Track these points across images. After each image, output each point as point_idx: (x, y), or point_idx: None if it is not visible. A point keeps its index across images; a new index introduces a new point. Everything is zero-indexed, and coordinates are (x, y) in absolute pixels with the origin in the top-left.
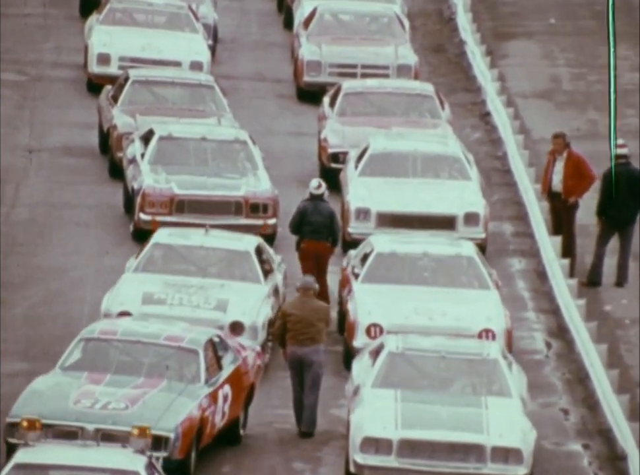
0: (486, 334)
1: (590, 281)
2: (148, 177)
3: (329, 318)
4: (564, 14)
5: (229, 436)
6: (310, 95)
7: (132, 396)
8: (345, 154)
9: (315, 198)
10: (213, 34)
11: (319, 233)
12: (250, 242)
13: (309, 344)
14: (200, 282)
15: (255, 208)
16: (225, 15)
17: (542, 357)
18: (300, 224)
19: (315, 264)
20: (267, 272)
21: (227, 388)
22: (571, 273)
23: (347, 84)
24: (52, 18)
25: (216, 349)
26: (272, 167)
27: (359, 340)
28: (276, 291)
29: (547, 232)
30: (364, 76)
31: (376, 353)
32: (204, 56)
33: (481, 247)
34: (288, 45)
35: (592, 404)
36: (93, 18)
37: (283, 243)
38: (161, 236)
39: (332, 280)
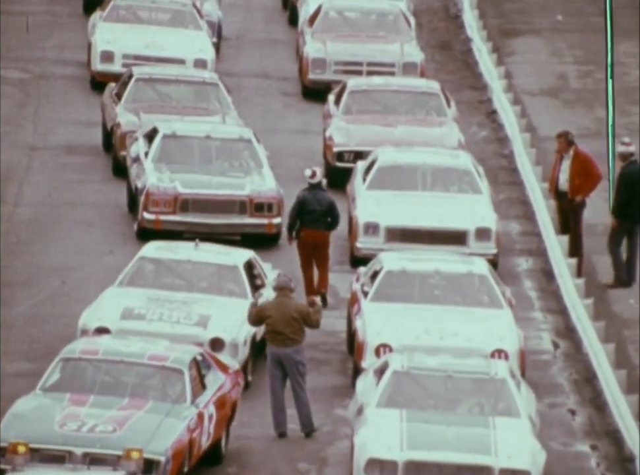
0: (499, 354)
1: (620, 281)
2: (152, 176)
3: (308, 316)
4: (571, 10)
5: (212, 456)
6: (315, 93)
7: (120, 419)
8: (350, 152)
9: (314, 188)
10: (217, 32)
11: (319, 222)
12: (240, 257)
13: (290, 344)
14: (185, 297)
15: (260, 208)
16: (230, 12)
17: (549, 357)
18: (300, 214)
19: (313, 254)
20: (258, 287)
21: (212, 408)
22: (578, 272)
23: (352, 82)
24: (55, 15)
25: (199, 368)
26: (276, 166)
27: (368, 361)
28: None
29: (555, 231)
30: (370, 73)
31: (380, 372)
32: (209, 53)
33: (493, 263)
34: (293, 42)
35: (600, 404)
36: (96, 15)
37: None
38: (148, 250)
39: (340, 285)
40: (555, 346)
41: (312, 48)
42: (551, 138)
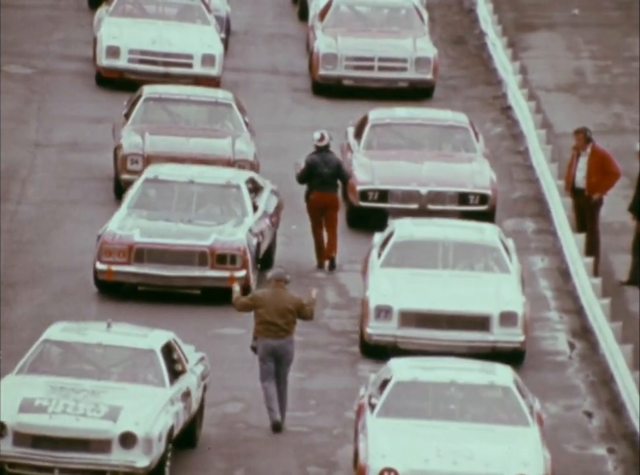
0: None
1: (634, 281)
2: (114, 223)
3: (303, 308)
4: (588, 4)
5: None
6: (325, 88)
7: None
8: (375, 191)
9: (321, 150)
10: (226, 26)
11: (328, 184)
12: (157, 339)
13: (283, 335)
14: (93, 386)
15: (222, 259)
16: (238, 6)
17: (565, 359)
18: (310, 177)
19: (322, 216)
20: (177, 373)
21: None
22: (595, 272)
23: (374, 115)
24: (60, 9)
25: None
26: (285, 163)
27: None
28: (186, 394)
29: (571, 229)
30: (381, 69)
31: None
32: (217, 49)
33: (520, 352)
34: (303, 37)
35: (617, 406)
36: (102, 10)
37: (296, 238)
38: (53, 332)
39: (350, 284)
40: (571, 346)
41: (323, 43)
42: (567, 134)
